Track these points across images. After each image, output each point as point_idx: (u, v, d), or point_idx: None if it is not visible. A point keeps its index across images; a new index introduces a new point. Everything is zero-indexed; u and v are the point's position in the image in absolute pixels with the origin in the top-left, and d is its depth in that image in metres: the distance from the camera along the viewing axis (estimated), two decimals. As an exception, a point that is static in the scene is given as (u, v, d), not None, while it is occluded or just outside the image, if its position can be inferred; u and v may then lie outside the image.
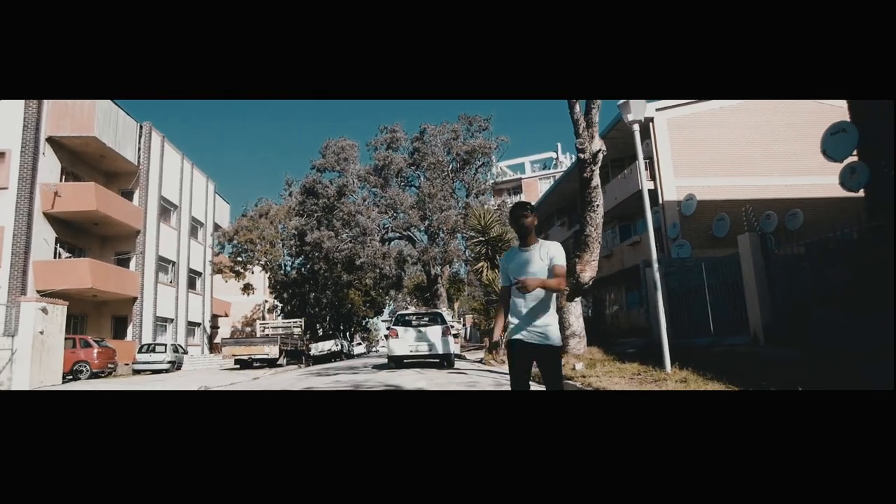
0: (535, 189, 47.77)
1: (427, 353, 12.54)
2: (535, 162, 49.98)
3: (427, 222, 20.66)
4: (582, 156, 8.53)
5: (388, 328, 14.45)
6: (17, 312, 18.26)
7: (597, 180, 8.71)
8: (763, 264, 10.81)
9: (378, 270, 21.58)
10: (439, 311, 14.13)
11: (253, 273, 29.45)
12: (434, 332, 12.54)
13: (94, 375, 16.71)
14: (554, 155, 50.15)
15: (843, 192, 17.89)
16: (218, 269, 27.87)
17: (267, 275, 34.34)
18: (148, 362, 20.57)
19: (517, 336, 3.19)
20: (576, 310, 9.57)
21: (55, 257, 20.66)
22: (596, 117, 8.57)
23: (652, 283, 15.02)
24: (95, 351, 17.03)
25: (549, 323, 3.14)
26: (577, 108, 8.57)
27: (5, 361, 12.72)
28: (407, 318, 13.24)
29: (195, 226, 29.61)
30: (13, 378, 12.45)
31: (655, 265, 7.12)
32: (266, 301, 40.78)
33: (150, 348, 21.47)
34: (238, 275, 27.76)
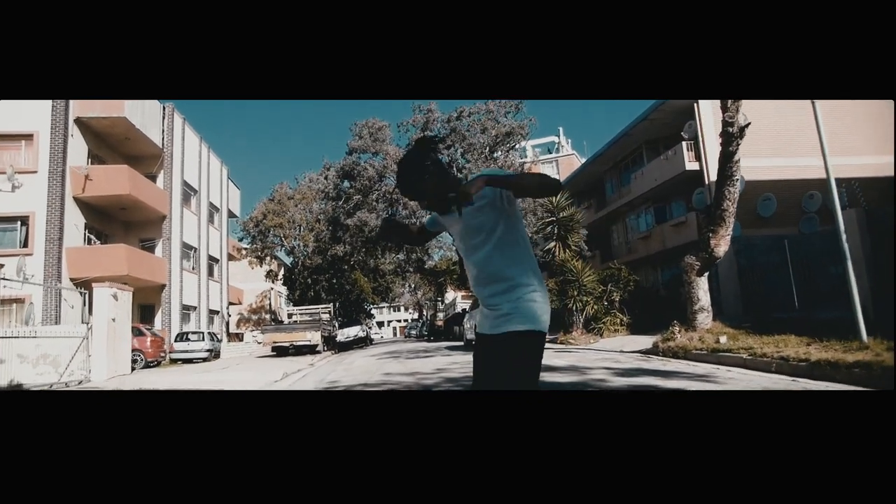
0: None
1: None
2: (536, 146, 49.95)
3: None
4: (730, 129, 8.48)
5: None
6: (59, 300, 17.56)
7: (739, 155, 8.66)
8: (869, 240, 10.97)
9: (425, 251, 21.39)
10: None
11: (275, 259, 28.83)
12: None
13: (147, 365, 16.16)
14: (556, 139, 50.24)
15: (882, 172, 18.35)
16: (243, 256, 27.21)
17: (276, 262, 33.60)
18: (186, 351, 20.01)
19: (480, 329, 2.09)
20: (704, 284, 9.60)
21: (85, 244, 19.84)
22: (742, 90, 8.49)
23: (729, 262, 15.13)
24: (149, 339, 16.45)
25: (518, 294, 1.93)
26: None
27: (74, 350, 12.15)
28: None
29: (211, 211, 28.82)
30: (91, 369, 11.91)
31: (848, 258, 7.07)
32: (272, 288, 40.08)
33: (185, 337, 20.88)
34: (261, 261, 27.13)
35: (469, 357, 11.17)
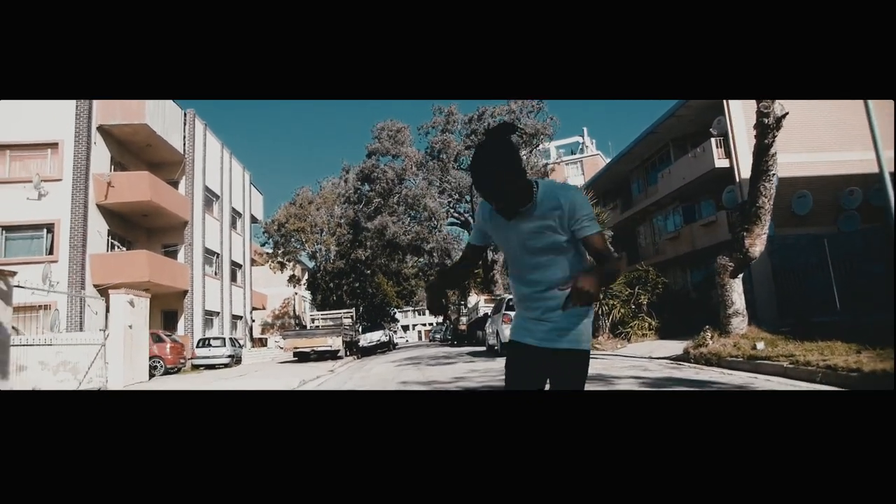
0: (562, 175, 47.10)
1: None
2: (560, 147, 49.20)
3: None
4: (765, 120, 7.90)
5: (489, 315, 13.94)
6: (83, 306, 17.69)
7: (775, 148, 8.07)
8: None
9: (447, 254, 21.03)
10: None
11: (298, 264, 28.82)
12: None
13: (167, 371, 16.11)
14: (580, 139, 49.44)
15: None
16: (265, 261, 27.25)
17: (302, 266, 33.57)
18: (208, 357, 19.98)
19: (522, 338, 2.00)
20: (738, 286, 9.02)
21: (108, 250, 19.99)
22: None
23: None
24: (168, 346, 16.41)
25: (576, 310, 1.85)
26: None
27: (93, 357, 12.09)
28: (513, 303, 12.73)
29: (234, 217, 28.95)
30: (108, 377, 11.83)
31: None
32: (296, 293, 40.15)
33: (207, 342, 20.87)
34: (283, 266, 27.11)
35: (490, 364, 10.76)
